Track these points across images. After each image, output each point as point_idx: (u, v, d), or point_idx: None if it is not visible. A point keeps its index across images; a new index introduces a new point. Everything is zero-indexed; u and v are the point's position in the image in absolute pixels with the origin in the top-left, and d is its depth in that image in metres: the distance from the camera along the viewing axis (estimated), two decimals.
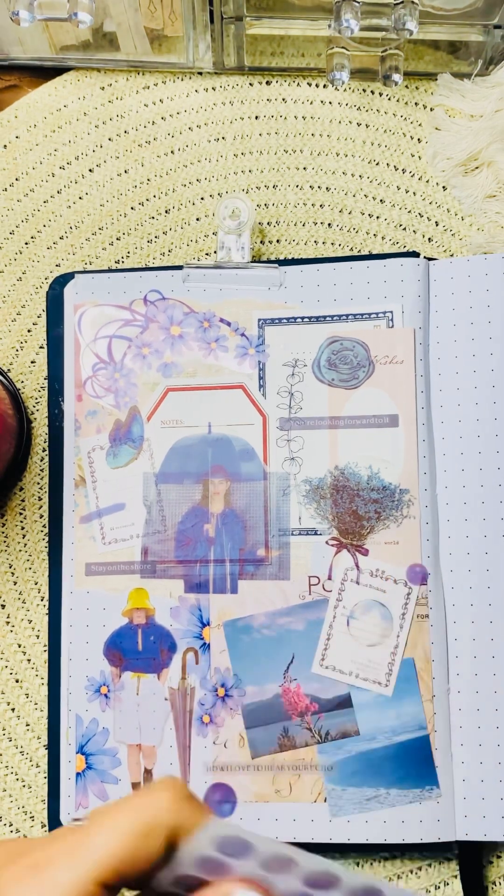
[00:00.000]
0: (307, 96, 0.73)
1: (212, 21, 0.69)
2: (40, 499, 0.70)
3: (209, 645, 0.65)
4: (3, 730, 0.68)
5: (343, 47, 0.70)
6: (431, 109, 0.73)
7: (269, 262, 0.69)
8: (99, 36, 0.71)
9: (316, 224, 0.72)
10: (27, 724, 0.68)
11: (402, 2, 0.65)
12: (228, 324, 0.68)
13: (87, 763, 0.65)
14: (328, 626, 0.65)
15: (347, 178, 0.72)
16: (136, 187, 0.73)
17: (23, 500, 0.70)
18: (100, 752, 0.65)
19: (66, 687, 0.66)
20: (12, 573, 0.70)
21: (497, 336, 0.67)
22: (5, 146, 0.74)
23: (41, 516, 0.70)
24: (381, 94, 0.73)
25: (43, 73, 0.75)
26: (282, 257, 0.72)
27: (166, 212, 0.73)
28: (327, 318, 0.68)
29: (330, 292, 0.68)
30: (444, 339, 0.67)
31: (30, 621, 0.69)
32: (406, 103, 0.73)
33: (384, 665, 0.64)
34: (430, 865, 0.65)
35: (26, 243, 0.73)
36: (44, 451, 0.70)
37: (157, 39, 0.71)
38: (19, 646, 0.69)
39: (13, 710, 0.68)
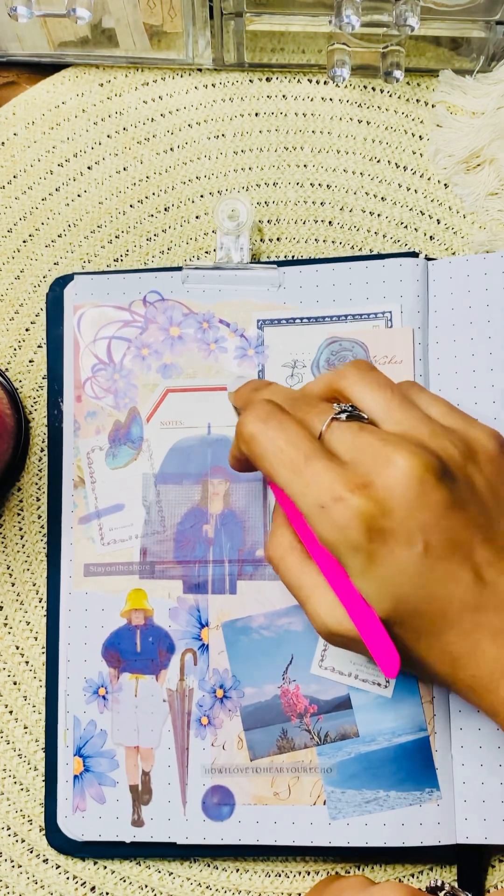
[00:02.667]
0: (308, 93, 0.73)
1: (211, 17, 0.69)
2: (38, 499, 0.70)
3: (208, 646, 0.65)
4: (1, 732, 0.68)
5: (344, 43, 0.70)
6: (433, 106, 0.73)
7: (268, 262, 0.69)
8: (97, 32, 0.71)
9: (316, 222, 0.72)
10: (25, 727, 0.68)
11: None
12: (228, 325, 0.68)
13: (84, 765, 0.65)
14: None
15: (348, 175, 0.72)
16: (135, 185, 0.73)
17: (21, 501, 0.70)
18: (97, 755, 0.65)
19: (63, 689, 0.66)
20: (10, 574, 0.69)
21: (496, 335, 0.66)
22: (3, 143, 0.73)
23: (39, 517, 0.70)
24: (382, 91, 0.73)
25: (41, 69, 0.74)
26: (282, 255, 0.72)
27: (165, 209, 0.73)
28: (326, 319, 0.67)
29: (329, 293, 0.68)
30: (443, 338, 0.67)
31: (28, 623, 0.69)
32: (407, 100, 0.73)
33: None
34: (430, 869, 0.65)
35: (24, 241, 0.72)
36: (42, 451, 0.70)
37: (156, 36, 0.71)
38: (17, 647, 0.69)
39: (11, 712, 0.68)
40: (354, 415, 0.53)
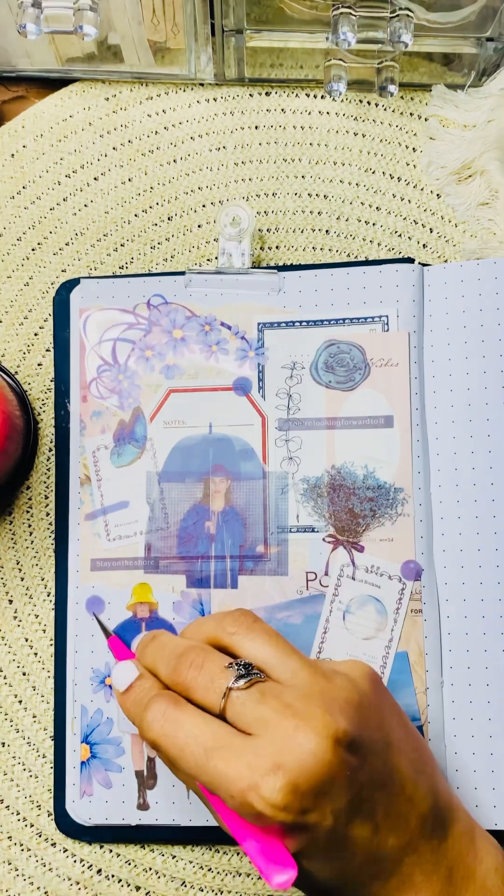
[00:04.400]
0: (305, 107, 0.74)
1: (213, 34, 0.69)
2: (46, 497, 0.71)
3: None
4: (11, 721, 0.69)
5: (340, 59, 0.71)
6: (426, 119, 0.74)
7: (268, 267, 0.70)
8: (104, 48, 0.72)
9: (314, 231, 0.73)
10: (34, 716, 0.69)
11: (397, 15, 0.66)
12: (229, 327, 0.69)
13: (91, 752, 0.66)
14: (325, 620, 0.66)
15: (344, 186, 0.73)
16: (140, 195, 0.74)
17: (30, 499, 0.71)
18: (104, 742, 0.66)
19: (71, 678, 0.67)
20: (20, 569, 0.70)
21: (489, 339, 0.68)
22: (12, 155, 0.75)
23: (48, 514, 0.71)
24: (377, 105, 0.74)
25: (49, 84, 0.75)
26: (281, 263, 0.73)
27: (169, 219, 0.74)
28: (325, 322, 0.68)
29: (327, 297, 0.69)
30: (437, 342, 0.68)
31: (36, 616, 0.70)
32: (401, 113, 0.74)
33: (379, 658, 0.65)
34: None
35: (33, 249, 0.73)
36: (50, 450, 0.71)
37: (160, 51, 0.72)
38: (26, 640, 0.70)
39: (20, 702, 0.69)
40: (250, 673, 0.52)
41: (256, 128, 0.74)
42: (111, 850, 0.68)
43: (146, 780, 0.66)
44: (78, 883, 0.68)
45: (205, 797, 0.54)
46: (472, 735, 0.65)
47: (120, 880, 0.67)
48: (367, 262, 0.71)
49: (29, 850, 0.68)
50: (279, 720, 0.50)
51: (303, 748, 0.49)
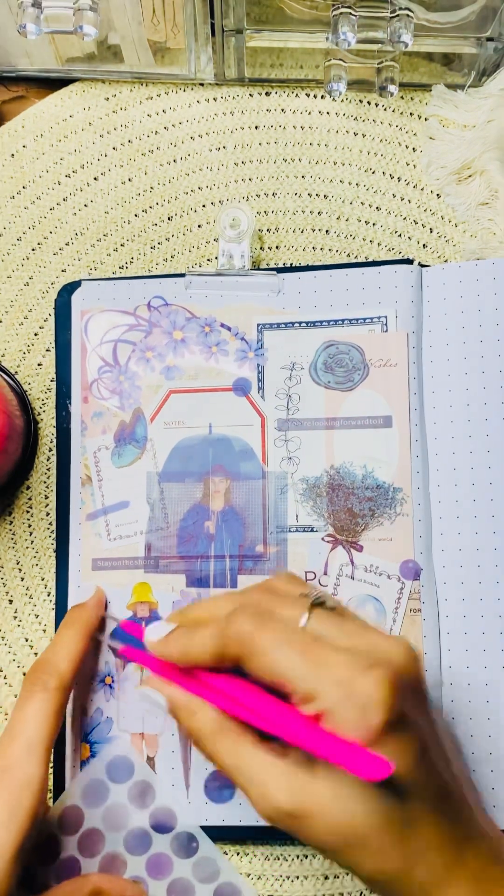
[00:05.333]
0: (305, 107, 0.74)
1: (213, 34, 0.69)
2: (46, 497, 0.71)
3: None
4: None
5: (340, 59, 0.71)
6: (426, 119, 0.74)
7: (268, 269, 0.70)
8: (104, 48, 0.72)
9: (314, 231, 0.73)
10: None
11: (397, 15, 0.66)
12: (229, 328, 0.69)
13: (91, 751, 0.66)
14: None
15: (345, 186, 0.74)
16: (140, 195, 0.74)
17: (30, 499, 0.71)
18: (104, 741, 0.66)
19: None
20: (20, 570, 0.71)
21: (487, 339, 0.68)
22: (13, 155, 0.75)
23: (47, 514, 0.71)
24: (377, 105, 0.74)
25: (49, 84, 0.76)
26: (281, 263, 0.73)
27: (169, 219, 0.74)
28: (324, 323, 0.69)
29: (326, 298, 0.69)
30: (436, 342, 0.68)
31: (37, 616, 0.70)
32: (401, 113, 0.74)
33: None
34: None
35: (33, 249, 0.74)
36: (50, 450, 0.71)
37: (160, 51, 0.72)
38: (26, 640, 0.70)
39: None
40: (328, 604, 0.53)
41: (256, 128, 0.75)
42: None
43: None
44: None
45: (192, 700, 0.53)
46: (470, 735, 0.65)
47: None
48: (365, 264, 0.71)
49: None
50: (365, 632, 0.51)
51: (392, 652, 0.50)
